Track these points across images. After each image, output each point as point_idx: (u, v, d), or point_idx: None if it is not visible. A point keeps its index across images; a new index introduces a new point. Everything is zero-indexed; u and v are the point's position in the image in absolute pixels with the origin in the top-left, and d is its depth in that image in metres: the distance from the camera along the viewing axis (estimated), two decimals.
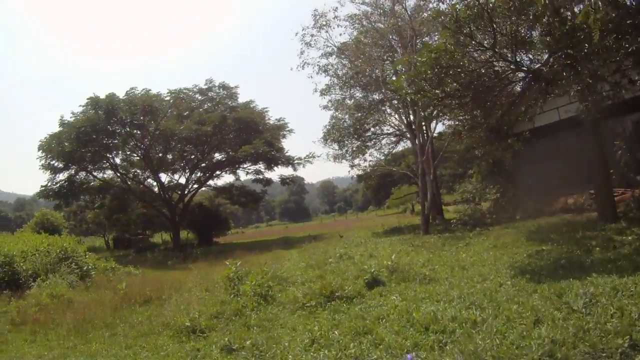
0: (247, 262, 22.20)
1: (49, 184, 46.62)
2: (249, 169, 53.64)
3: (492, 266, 13.97)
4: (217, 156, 53.81)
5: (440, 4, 21.00)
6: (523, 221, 25.05)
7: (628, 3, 13.75)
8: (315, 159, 50.86)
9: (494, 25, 15.33)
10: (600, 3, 12.66)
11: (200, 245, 50.97)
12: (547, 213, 25.67)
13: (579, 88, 15.87)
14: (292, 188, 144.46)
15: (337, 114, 41.20)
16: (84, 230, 68.00)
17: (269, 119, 52.19)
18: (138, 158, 51.75)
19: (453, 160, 45.21)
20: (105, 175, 52.61)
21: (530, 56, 18.09)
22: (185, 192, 53.77)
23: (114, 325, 13.23)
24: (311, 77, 44.05)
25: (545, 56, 17.16)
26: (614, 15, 12.90)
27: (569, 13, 15.04)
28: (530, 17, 15.21)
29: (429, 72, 16.65)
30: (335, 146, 41.17)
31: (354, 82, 38.02)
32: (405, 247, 22.21)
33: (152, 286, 17.98)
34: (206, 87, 50.05)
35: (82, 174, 49.26)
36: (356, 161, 41.90)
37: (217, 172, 54.92)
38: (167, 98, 47.70)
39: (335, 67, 38.70)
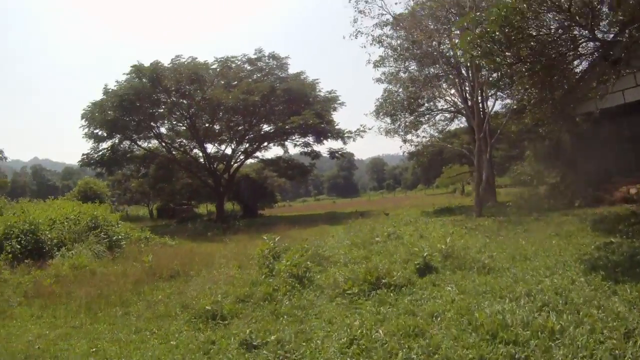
0: (288, 237, 21.16)
1: (91, 153, 46.23)
2: (297, 141, 51.91)
3: (557, 257, 12.08)
4: (265, 127, 52.16)
5: None
6: (582, 209, 23.12)
7: None
8: (366, 133, 48.82)
9: None
10: None
11: (244, 217, 49.95)
12: (607, 202, 23.96)
13: None
14: (342, 163, 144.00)
15: (390, 87, 39.67)
16: (129, 199, 67.88)
17: (319, 91, 50.13)
18: (184, 128, 50.79)
19: (506, 142, 42.87)
20: (150, 145, 52.10)
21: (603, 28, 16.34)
22: (232, 163, 52.63)
23: (130, 302, 11.79)
24: (364, 47, 41.67)
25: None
26: None
27: None
28: None
29: (498, 32, 14.76)
30: (388, 120, 39.69)
31: (409, 54, 35.97)
32: (458, 229, 20.18)
33: (182, 260, 16.67)
34: (255, 57, 48.18)
35: (126, 143, 48.81)
36: (408, 137, 40.39)
37: (265, 144, 53.42)
38: (215, 66, 46.37)
39: (390, 37, 36.65)
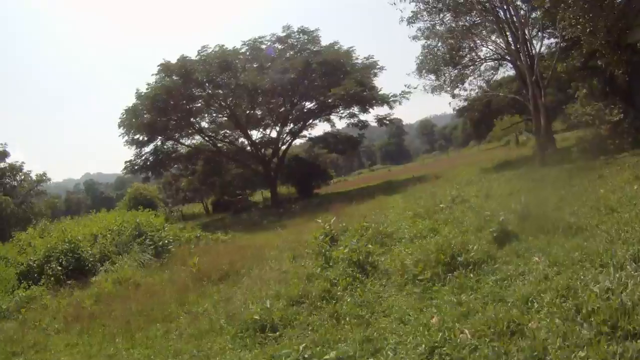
0: (345, 215, 19.90)
1: (134, 159, 45.70)
2: (342, 114, 49.77)
3: None
4: (307, 105, 50.36)
5: None
6: None
7: None
8: (412, 94, 46.25)
9: None
10: None
11: (300, 198, 48.65)
12: None
13: None
14: (391, 130, 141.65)
15: (428, 42, 37.22)
16: (182, 199, 67.28)
17: (356, 59, 47.55)
18: (225, 118, 49.79)
19: (554, 84, 40.34)
20: (194, 141, 51.29)
21: None
22: (279, 146, 51.04)
23: (173, 316, 10.45)
24: (394, 3, 39.10)
25: None
26: None
27: None
28: None
29: None
30: (432, 77, 37.68)
31: (442, 5, 33.77)
32: (525, 183, 18.16)
33: (232, 257, 15.42)
34: (284, 34, 46.07)
35: (170, 143, 48.19)
36: (456, 91, 38.59)
37: (310, 121, 51.67)
38: (244, 50, 44.57)
39: None
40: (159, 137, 45.79)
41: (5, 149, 54.33)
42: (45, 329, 11.65)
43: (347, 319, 7.36)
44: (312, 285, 9.34)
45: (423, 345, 5.69)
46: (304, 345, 6.37)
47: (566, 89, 40.58)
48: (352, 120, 49.67)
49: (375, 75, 47.11)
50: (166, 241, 19.73)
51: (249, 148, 51.30)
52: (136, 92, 43.12)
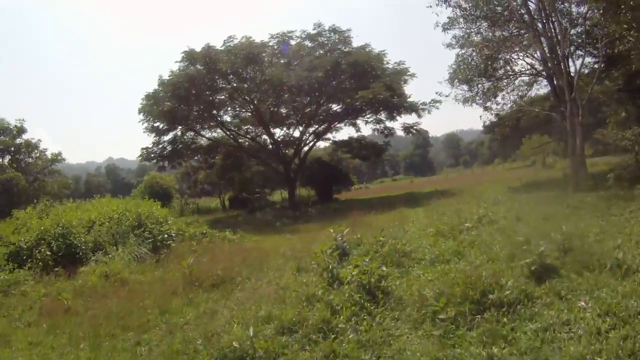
0: (362, 225, 18.69)
1: (152, 147, 44.51)
2: (369, 119, 48.12)
3: None
4: (334, 107, 48.84)
5: None
6: None
7: None
8: (441, 105, 44.34)
9: None
10: None
11: (319, 202, 47.41)
12: None
13: None
14: (417, 141, 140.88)
15: (463, 51, 35.85)
16: (199, 192, 65.95)
17: (387, 63, 45.75)
18: (249, 114, 48.30)
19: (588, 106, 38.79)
20: (215, 134, 50.19)
21: None
22: (301, 146, 49.62)
23: (150, 326, 9.19)
24: (430, 6, 37.47)
25: None
26: None
27: None
28: None
29: None
30: (465, 87, 36.17)
31: (480, 12, 32.42)
32: (560, 208, 16.36)
33: (233, 260, 14.22)
34: (315, 32, 44.36)
35: (190, 134, 47.03)
36: (488, 104, 37.29)
37: (335, 124, 49.97)
38: (272, 43, 42.95)
39: None
40: (179, 127, 44.50)
41: (22, 124, 53.80)
42: (18, 319, 10.75)
43: None
44: (310, 309, 7.88)
45: None
46: None
47: (596, 113, 39.09)
48: (378, 126, 47.86)
49: (405, 82, 45.44)
50: (166, 235, 18.43)
51: (270, 146, 49.89)
52: (159, 79, 41.95)
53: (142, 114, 42.27)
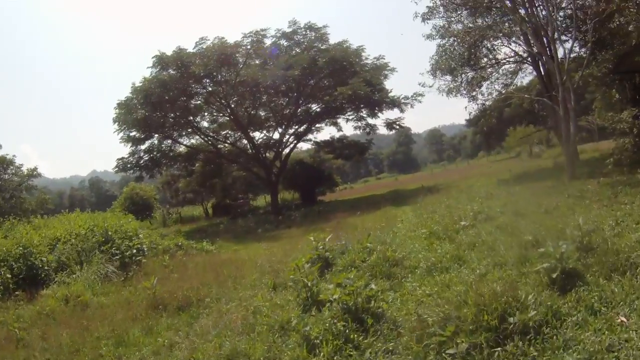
0: (349, 227, 17.97)
1: (128, 157, 42.83)
2: (350, 117, 46.97)
3: None
4: (314, 107, 47.59)
5: None
6: None
7: None
8: (424, 97, 43.53)
9: None
10: None
11: (302, 205, 45.81)
12: None
13: None
14: (399, 138, 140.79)
15: (444, 42, 34.81)
16: (181, 200, 64.20)
17: (366, 59, 44.66)
18: (227, 118, 46.94)
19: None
20: (193, 141, 48.74)
21: None
22: (281, 149, 48.30)
23: None
24: None
25: None
26: None
27: None
28: None
29: None
30: (448, 78, 35.04)
31: (460, 1, 31.52)
32: (561, 199, 14.88)
33: (205, 276, 12.97)
34: (290, 30, 43.12)
35: (168, 142, 45.33)
36: (473, 94, 36.25)
37: (316, 125, 48.89)
38: (245, 43, 41.12)
39: None
40: (156, 135, 42.93)
41: None
42: None
43: None
44: (283, 343, 6.43)
45: None
46: None
47: (579, 100, 38.24)
48: (359, 124, 46.78)
49: (385, 77, 44.42)
50: (135, 250, 16.87)
51: (250, 150, 48.29)
52: (132, 86, 40.14)
53: (116, 123, 40.40)
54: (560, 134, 26.12)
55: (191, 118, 44.24)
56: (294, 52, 42.85)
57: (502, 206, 15.45)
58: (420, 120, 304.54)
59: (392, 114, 45.23)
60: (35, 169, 56.01)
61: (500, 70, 36.78)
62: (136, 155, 42.83)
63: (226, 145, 49.57)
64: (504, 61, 35.95)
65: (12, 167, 54.94)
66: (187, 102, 41.90)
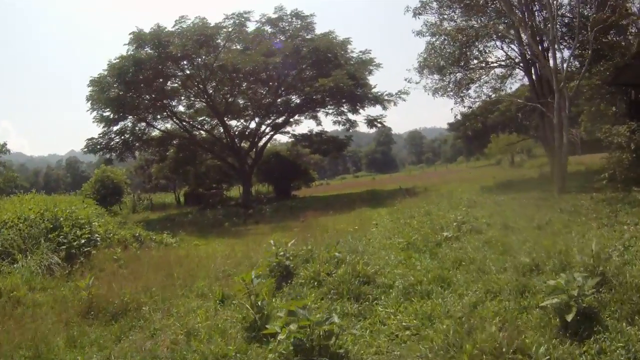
0: (319, 228, 16.97)
1: (98, 138, 41.18)
2: (330, 111, 45.70)
3: None
4: (294, 98, 46.22)
5: None
6: None
7: None
8: (408, 95, 41.90)
9: None
10: None
11: (276, 199, 45.02)
12: None
13: None
14: (379, 138, 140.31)
15: (434, 39, 33.48)
16: (154, 186, 62.63)
17: (351, 52, 43.65)
18: (204, 104, 45.32)
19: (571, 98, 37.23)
20: (168, 126, 47.44)
21: None
22: (257, 139, 47.10)
23: None
24: None
25: None
26: None
27: None
28: None
29: None
30: (436, 76, 33.89)
31: None
32: (553, 213, 13.80)
33: (155, 275, 11.66)
34: (276, 16, 41.57)
35: (142, 125, 43.76)
36: (460, 95, 35.13)
37: (296, 117, 47.77)
38: (227, 24, 39.46)
39: None
40: (130, 117, 41.26)
41: None
42: None
43: None
44: None
45: None
46: None
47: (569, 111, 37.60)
48: (339, 118, 45.80)
49: (370, 72, 43.20)
50: (83, 241, 15.24)
51: (225, 139, 46.83)
52: (108, 63, 38.10)
53: (90, 101, 38.67)
54: (548, 144, 25.16)
55: (167, 101, 42.76)
56: (277, 39, 41.48)
57: (488, 217, 14.42)
58: (401, 120, 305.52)
59: (374, 110, 44.60)
60: (4, 145, 54.05)
61: (490, 74, 35.69)
62: (107, 137, 41.19)
63: (202, 132, 48.18)
64: (495, 64, 34.91)
65: None
66: (163, 84, 40.41)
